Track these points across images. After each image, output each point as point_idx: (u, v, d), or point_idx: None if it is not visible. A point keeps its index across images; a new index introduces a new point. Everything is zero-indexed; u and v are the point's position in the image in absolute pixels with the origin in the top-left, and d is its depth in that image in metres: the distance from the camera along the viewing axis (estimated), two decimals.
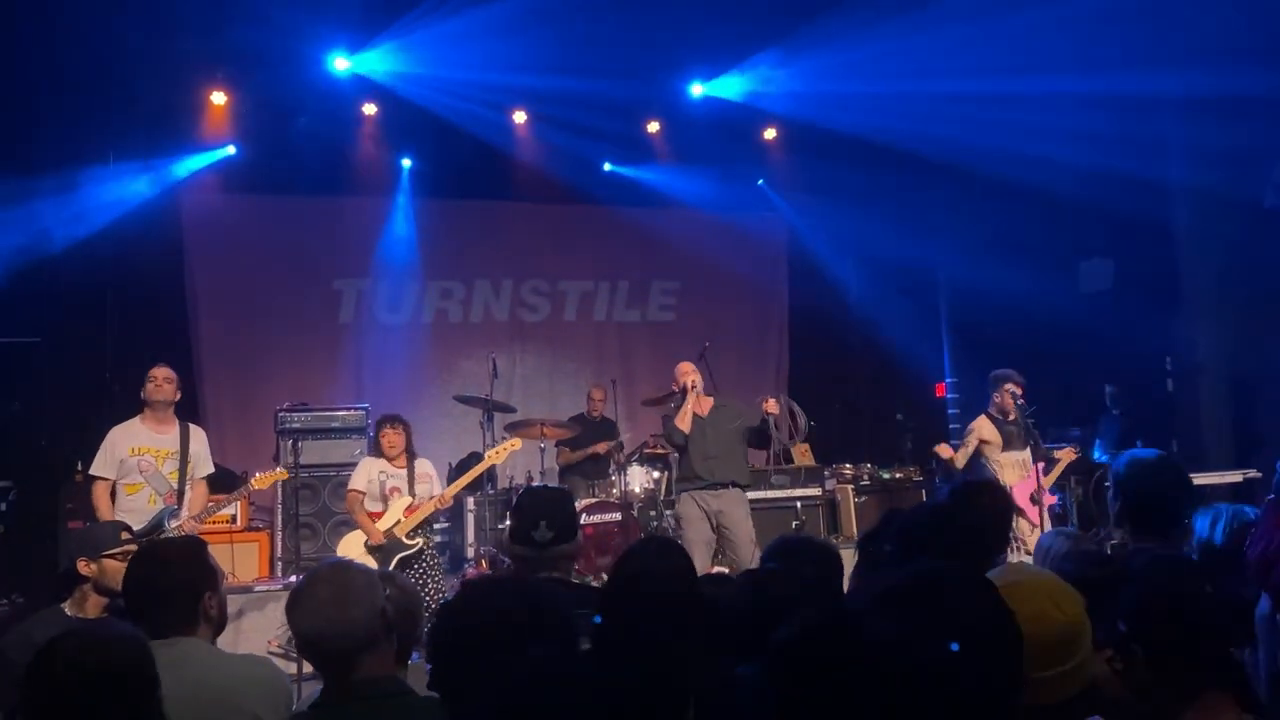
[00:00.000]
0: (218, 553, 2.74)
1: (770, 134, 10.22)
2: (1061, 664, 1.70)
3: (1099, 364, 9.09)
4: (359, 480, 6.14)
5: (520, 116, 9.44)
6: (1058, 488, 7.68)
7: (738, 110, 9.43)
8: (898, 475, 9.08)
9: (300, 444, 7.20)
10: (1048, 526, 6.56)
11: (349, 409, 8.08)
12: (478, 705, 1.55)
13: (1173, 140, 8.65)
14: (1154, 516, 2.93)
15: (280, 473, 6.05)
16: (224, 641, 2.67)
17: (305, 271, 9.75)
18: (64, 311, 8.16)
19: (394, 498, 6.07)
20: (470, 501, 8.16)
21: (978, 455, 6.90)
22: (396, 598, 2.40)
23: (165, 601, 2.48)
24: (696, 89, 9.33)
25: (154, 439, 5.55)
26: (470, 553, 8.13)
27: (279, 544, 7.47)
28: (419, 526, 6.04)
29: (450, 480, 7.41)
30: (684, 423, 6.42)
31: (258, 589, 6.82)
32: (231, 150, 9.03)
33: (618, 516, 7.71)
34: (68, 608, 3.21)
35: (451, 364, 10.03)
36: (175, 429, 5.63)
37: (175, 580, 2.50)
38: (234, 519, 7.43)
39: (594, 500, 7.82)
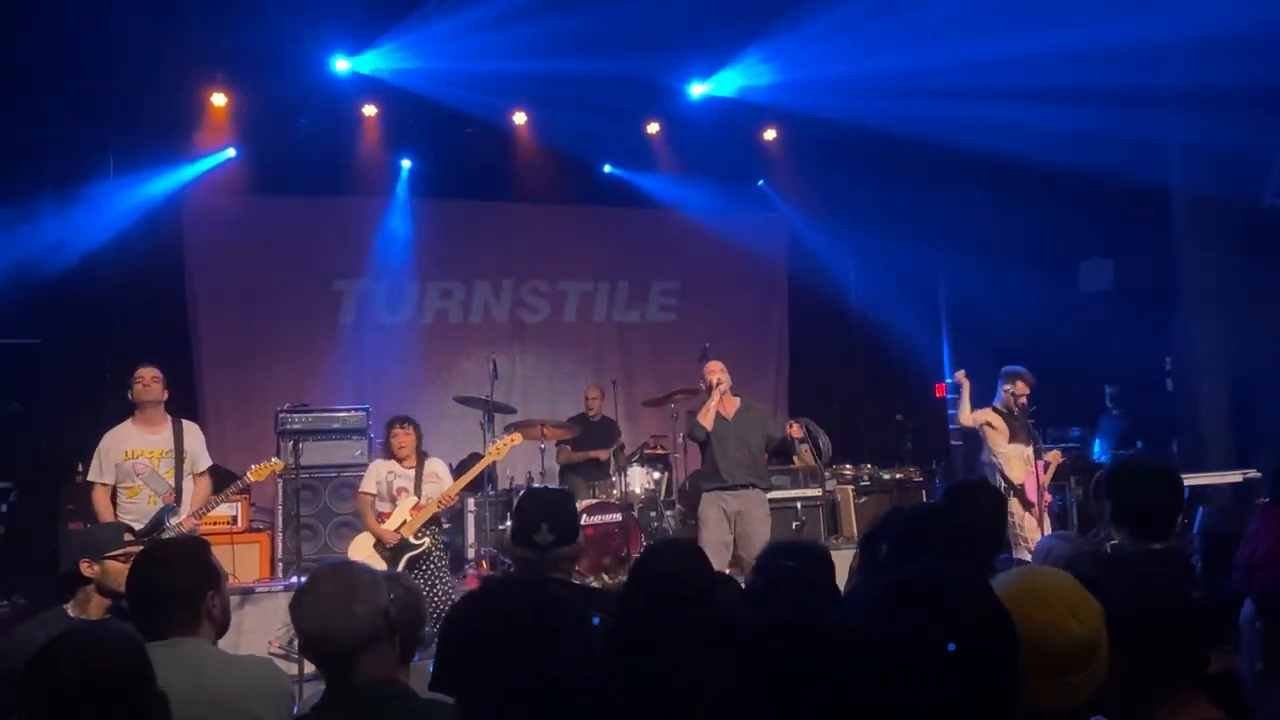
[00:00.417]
0: (219, 553, 2.74)
1: (770, 135, 10.22)
2: (1074, 674, 1.68)
3: (1099, 364, 9.10)
4: (369, 483, 6.16)
5: (520, 117, 9.44)
6: (1056, 488, 7.70)
7: (738, 111, 9.42)
8: (898, 476, 9.08)
9: (301, 445, 7.20)
10: (1048, 526, 6.58)
11: (350, 410, 8.08)
12: (486, 706, 1.55)
13: (1173, 140, 8.66)
14: (1144, 522, 2.97)
15: (275, 463, 6.03)
16: (224, 642, 2.67)
17: (306, 272, 9.76)
18: (64, 313, 8.16)
19: (401, 498, 6.08)
20: (471, 502, 8.16)
21: (980, 451, 6.93)
22: (401, 598, 2.41)
23: (168, 602, 2.48)
24: (696, 89, 9.33)
25: (146, 440, 5.55)
26: (471, 554, 8.13)
27: (279, 545, 7.47)
28: (426, 525, 6.05)
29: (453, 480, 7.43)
30: (706, 419, 6.49)
31: (258, 590, 6.84)
32: (232, 153, 9.04)
33: (618, 517, 7.71)
34: (70, 609, 3.20)
35: (451, 364, 10.03)
36: (167, 427, 5.62)
37: (178, 581, 2.50)
38: (234, 520, 7.44)
39: (594, 501, 7.82)
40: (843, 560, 2.81)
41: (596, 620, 2.25)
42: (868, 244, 10.68)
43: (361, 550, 5.97)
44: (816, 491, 8.57)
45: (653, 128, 9.95)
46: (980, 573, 2.23)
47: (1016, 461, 6.74)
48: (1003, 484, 6.57)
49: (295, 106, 8.82)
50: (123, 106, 7.95)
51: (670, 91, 9.38)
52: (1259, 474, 7.32)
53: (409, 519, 6.01)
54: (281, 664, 5.63)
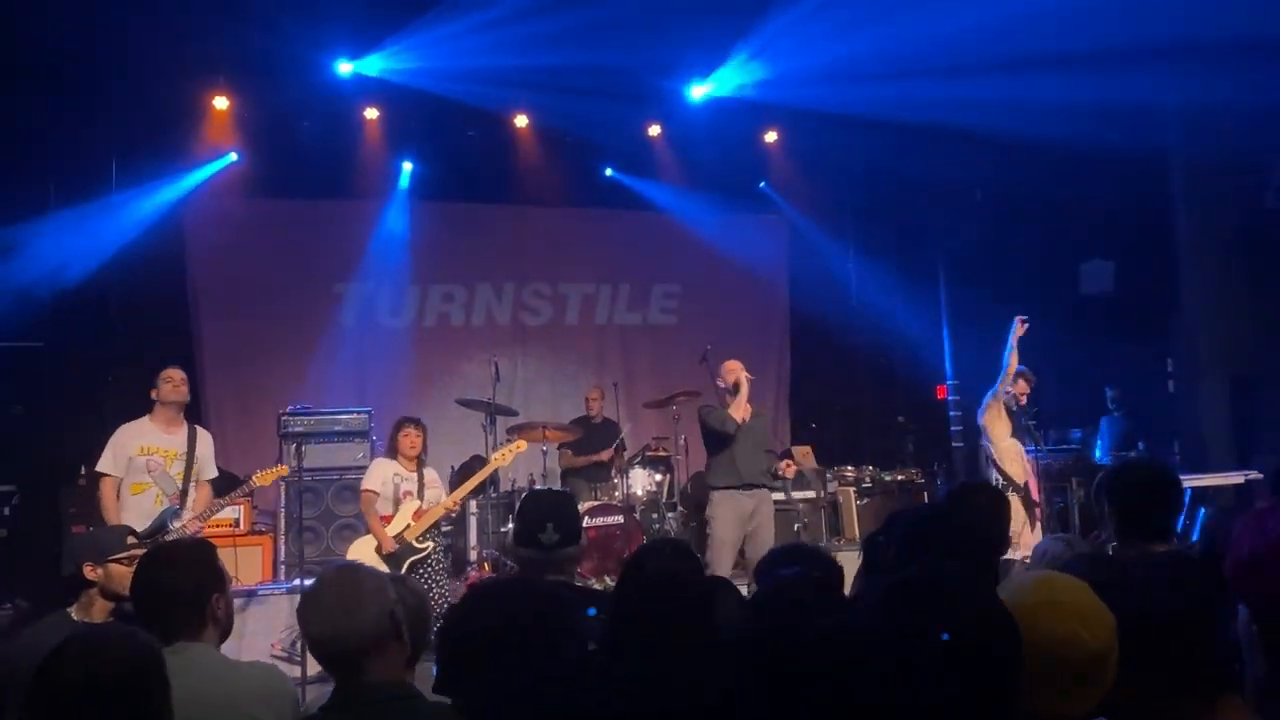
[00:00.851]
0: (221, 556, 2.74)
1: (771, 137, 10.23)
2: (1083, 685, 1.67)
3: (1100, 365, 9.10)
4: (373, 481, 6.08)
5: (522, 119, 9.46)
6: (1057, 489, 7.71)
7: (738, 113, 9.42)
8: (899, 477, 9.08)
9: (303, 447, 7.20)
10: (1039, 532, 6.59)
11: (352, 412, 8.08)
12: (487, 707, 1.56)
13: (1172, 140, 8.67)
14: (1144, 524, 2.98)
15: (280, 469, 6.01)
16: (226, 644, 2.67)
17: (307, 275, 9.76)
18: (66, 316, 8.16)
19: (405, 501, 6.06)
20: (473, 505, 8.16)
21: (982, 448, 6.95)
22: (408, 600, 2.41)
23: (172, 604, 2.49)
24: (696, 90, 9.33)
25: (162, 439, 5.54)
26: (473, 556, 8.13)
27: (282, 547, 7.47)
28: (429, 530, 6.04)
29: (452, 484, 7.43)
30: (739, 412, 6.56)
31: (261, 592, 6.84)
32: (234, 158, 9.05)
33: (620, 519, 7.71)
34: (74, 612, 3.19)
35: (453, 367, 10.03)
36: (183, 430, 5.64)
37: (183, 583, 2.50)
38: (237, 522, 7.45)
39: (596, 503, 7.82)
40: (843, 561, 2.82)
41: (592, 611, 2.25)
42: (869, 244, 10.69)
43: (364, 553, 5.91)
44: (818, 494, 8.57)
45: (654, 130, 9.96)
46: (982, 573, 2.24)
47: (1014, 459, 6.75)
48: (999, 479, 6.58)
49: (297, 110, 8.84)
50: (125, 112, 7.97)
51: (670, 94, 9.38)
52: (1260, 475, 7.32)
53: (412, 524, 6.00)
54: (284, 666, 5.65)
